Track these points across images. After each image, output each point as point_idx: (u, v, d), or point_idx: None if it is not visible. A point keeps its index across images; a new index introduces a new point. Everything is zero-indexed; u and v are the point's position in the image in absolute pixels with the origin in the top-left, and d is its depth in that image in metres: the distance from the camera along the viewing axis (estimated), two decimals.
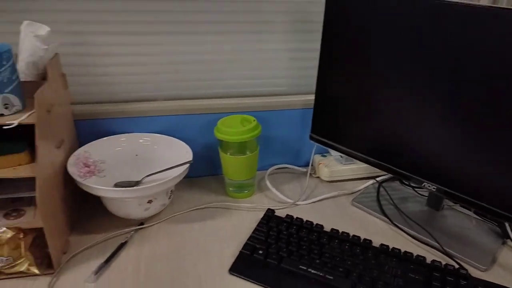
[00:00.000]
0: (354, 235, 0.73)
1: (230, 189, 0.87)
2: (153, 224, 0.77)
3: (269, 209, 0.79)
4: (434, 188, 0.75)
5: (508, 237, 0.76)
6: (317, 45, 0.90)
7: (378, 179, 0.94)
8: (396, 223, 0.80)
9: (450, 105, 0.67)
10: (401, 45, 0.70)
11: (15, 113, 0.61)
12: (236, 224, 0.78)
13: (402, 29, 0.69)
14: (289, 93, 0.96)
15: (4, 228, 0.60)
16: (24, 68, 0.66)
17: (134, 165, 0.82)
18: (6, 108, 0.60)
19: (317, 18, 0.89)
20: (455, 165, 0.70)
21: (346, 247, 0.70)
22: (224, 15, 0.84)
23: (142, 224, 0.77)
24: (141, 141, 0.84)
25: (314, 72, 0.85)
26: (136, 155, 0.83)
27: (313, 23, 0.90)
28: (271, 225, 0.75)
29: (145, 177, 0.78)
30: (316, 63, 0.87)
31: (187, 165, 0.76)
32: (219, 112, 0.87)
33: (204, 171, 0.93)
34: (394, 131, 0.76)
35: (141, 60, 0.85)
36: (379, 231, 0.78)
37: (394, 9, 0.69)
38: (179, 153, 0.80)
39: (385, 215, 0.82)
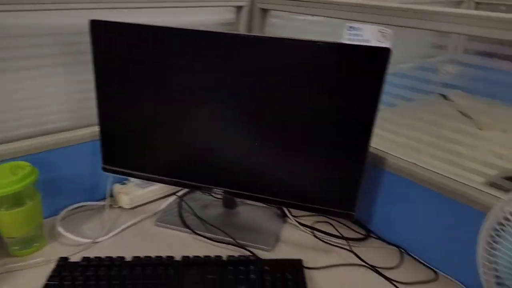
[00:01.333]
0: (156, 256, 0.75)
1: (14, 248, 0.76)
2: None
3: (61, 257, 0.73)
4: (222, 192, 0.84)
5: (286, 215, 0.92)
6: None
7: (179, 193, 0.98)
8: (197, 231, 0.85)
9: (223, 111, 0.76)
10: (171, 64, 0.75)
11: None
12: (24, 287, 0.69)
13: (165, 53, 0.74)
14: (74, 127, 0.91)
15: None
16: None
17: None
18: None
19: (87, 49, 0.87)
20: (236, 167, 0.80)
21: (150, 271, 0.71)
22: None
23: None
24: None
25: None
26: None
27: (85, 54, 0.87)
28: (64, 274, 0.69)
29: None
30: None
31: None
32: None
33: None
34: (179, 147, 0.82)
35: None
36: (183, 245, 0.82)
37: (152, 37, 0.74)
38: None
39: (187, 227, 0.86)
